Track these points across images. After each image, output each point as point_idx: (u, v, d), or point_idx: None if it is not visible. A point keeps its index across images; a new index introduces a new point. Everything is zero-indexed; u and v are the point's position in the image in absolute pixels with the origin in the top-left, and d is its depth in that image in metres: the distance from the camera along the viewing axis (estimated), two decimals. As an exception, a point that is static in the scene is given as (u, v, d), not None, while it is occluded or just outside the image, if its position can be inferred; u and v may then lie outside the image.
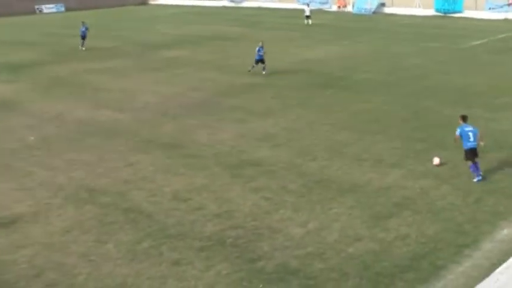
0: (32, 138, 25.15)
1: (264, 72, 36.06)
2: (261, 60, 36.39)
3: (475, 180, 18.59)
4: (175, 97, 31.49)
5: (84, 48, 48.90)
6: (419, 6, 74.55)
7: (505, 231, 15.37)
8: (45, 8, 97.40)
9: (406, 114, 26.83)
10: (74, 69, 40.70)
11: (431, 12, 71.77)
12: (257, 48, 36.42)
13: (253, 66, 36.49)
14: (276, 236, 15.51)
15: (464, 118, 19.07)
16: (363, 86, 32.90)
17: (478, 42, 48.35)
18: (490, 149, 20.82)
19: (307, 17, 63.87)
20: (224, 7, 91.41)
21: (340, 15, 75.22)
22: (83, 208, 17.75)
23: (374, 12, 75.57)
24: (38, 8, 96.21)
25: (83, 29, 49.66)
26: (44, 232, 16.37)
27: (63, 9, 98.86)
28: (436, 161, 20.10)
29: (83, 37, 49.44)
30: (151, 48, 50.09)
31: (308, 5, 69.31)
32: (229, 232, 15.86)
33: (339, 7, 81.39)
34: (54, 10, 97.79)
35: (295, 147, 22.74)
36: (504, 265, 12.81)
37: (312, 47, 47.43)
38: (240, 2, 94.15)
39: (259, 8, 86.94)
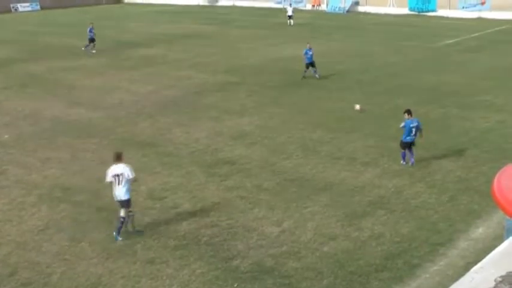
0: (7, 136, 24.83)
1: (317, 76, 33.70)
2: (311, 64, 33.54)
3: (401, 162, 20.10)
4: (150, 95, 31.24)
5: (94, 51, 45.70)
6: (393, 5, 74.80)
7: (480, 230, 15.38)
8: (21, 6, 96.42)
9: (380, 113, 26.83)
10: (49, 66, 40.25)
11: (405, 11, 72.05)
12: (304, 51, 33.69)
13: (305, 71, 33.77)
14: (251, 235, 15.40)
15: (409, 112, 19.86)
16: (336, 84, 32.86)
17: (452, 41, 48.59)
18: (465, 147, 20.95)
19: (290, 17, 62.67)
20: (199, 6, 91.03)
21: (314, 13, 75.23)
22: (58, 207, 17.53)
23: (348, 11, 75.70)
24: (13, 7, 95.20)
25: (90, 31, 46.11)
26: (18, 230, 16.13)
27: (38, 7, 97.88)
28: (357, 107, 22.82)
29: (92, 39, 45.98)
30: (126, 46, 49.65)
31: (291, 4, 69.16)
32: (204, 231, 15.72)
33: (313, 6, 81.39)
34: (29, 9, 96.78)
35: (269, 145, 22.65)
36: (479, 264, 12.74)
37: (285, 45, 47.30)
38: (216, 1, 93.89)
39: (233, 7, 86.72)
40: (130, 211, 15.59)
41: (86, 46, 45.84)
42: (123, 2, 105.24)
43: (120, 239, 15.32)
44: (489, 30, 54.52)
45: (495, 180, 6.93)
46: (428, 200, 17.28)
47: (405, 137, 19.75)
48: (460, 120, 24.79)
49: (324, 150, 21.94)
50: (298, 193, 18.00)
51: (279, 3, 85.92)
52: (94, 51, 45.53)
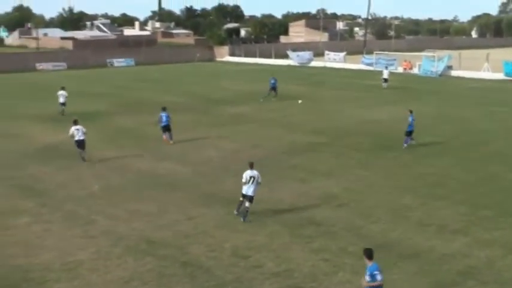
0: (97, 187, 25.56)
1: (413, 143, 32.75)
2: (410, 132, 32.36)
3: None
4: (237, 153, 31.60)
5: (274, 99, 52.11)
6: (488, 70, 73.78)
7: None
8: (116, 61, 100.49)
9: (471, 180, 26.27)
10: (140, 120, 41.44)
11: (500, 76, 70.95)
12: (410, 118, 32.32)
13: (411, 139, 32.64)
14: (335, 299, 15.17)
15: None
16: (427, 149, 32.39)
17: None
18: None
19: (385, 80, 62.18)
20: (290, 66, 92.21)
21: (406, 76, 74.92)
22: (143, 259, 17.79)
23: (441, 75, 75.15)
24: (109, 62, 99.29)
25: (273, 81, 53.42)
26: (104, 281, 16.45)
27: (132, 63, 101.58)
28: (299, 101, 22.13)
29: (273, 88, 53.13)
30: (216, 103, 50.71)
31: (387, 67, 69.14)
32: (287, 292, 15.60)
33: (405, 69, 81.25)
34: (124, 64, 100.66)
35: (356, 208, 22.44)
36: None
37: (376, 108, 47.23)
38: (307, 62, 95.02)
39: (324, 68, 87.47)
40: (248, 207, 21.00)
41: (266, 96, 52.52)
42: (215, 60, 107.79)
43: (249, 220, 20.95)
44: None
45: None
46: (522, 274, 16.67)
47: None
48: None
49: (412, 216, 21.57)
50: (384, 259, 17.62)
51: (369, 65, 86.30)
52: (274, 99, 51.91)
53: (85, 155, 30.21)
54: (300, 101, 48.35)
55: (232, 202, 22.95)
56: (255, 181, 21.11)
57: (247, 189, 21.08)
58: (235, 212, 21.48)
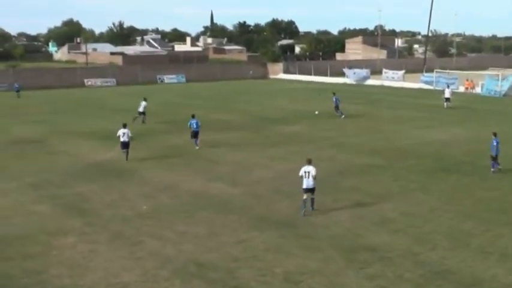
0: (145, 207, 25.87)
1: (500, 167, 31.86)
2: (496, 156, 31.63)
3: None
4: (291, 174, 31.52)
5: (343, 116, 53.45)
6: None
7: None
8: (167, 78, 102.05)
9: (538, 206, 25.76)
10: (190, 139, 41.79)
11: None
12: (494, 142, 31.46)
13: (498, 165, 31.84)
14: (391, 329, 15.05)
15: None
16: (489, 172, 31.90)
17: None
18: None
19: (447, 99, 61.70)
20: (346, 84, 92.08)
21: (468, 96, 74.09)
22: (191, 282, 17.92)
23: (505, 95, 74.04)
24: (159, 78, 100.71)
25: (334, 99, 54.98)
26: (150, 304, 16.60)
27: (183, 79, 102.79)
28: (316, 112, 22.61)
29: (337, 107, 54.77)
30: (269, 122, 50.96)
31: (448, 86, 68.52)
32: (341, 320, 15.54)
33: (467, 88, 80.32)
34: (175, 80, 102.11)
35: (414, 234, 22.22)
36: None
37: (436, 129, 46.82)
38: (363, 80, 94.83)
39: (381, 87, 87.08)
40: (313, 197, 24.75)
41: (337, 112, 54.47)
42: (269, 78, 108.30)
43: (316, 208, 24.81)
44: None
45: None
46: None
47: None
48: None
49: (473, 242, 21.25)
50: (442, 287, 17.48)
51: (429, 83, 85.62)
52: (343, 116, 53.42)
53: (128, 156, 35.44)
54: (316, 112, 49.35)
55: (284, 225, 23.04)
56: (310, 175, 24.54)
57: (307, 183, 24.65)
58: (301, 213, 24.35)
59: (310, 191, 24.67)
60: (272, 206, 26.00)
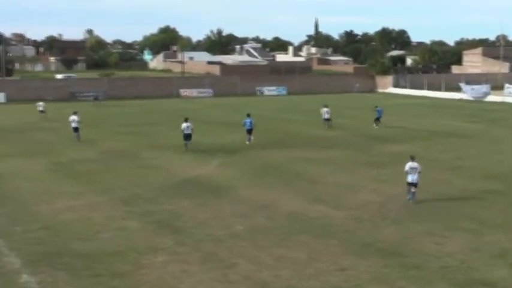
0: (240, 227, 25.98)
1: None
2: None
3: None
4: (398, 198, 31.12)
5: (377, 127, 57.34)
6: None
7: None
8: (266, 90, 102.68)
9: None
10: (290, 156, 41.90)
11: None
12: None
13: None
14: None
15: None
16: None
17: None
18: None
19: None
20: (462, 100, 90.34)
21: None
22: (287, 312, 17.83)
23: None
24: (258, 90, 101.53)
25: (378, 111, 58.79)
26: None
27: (285, 92, 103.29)
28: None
29: (378, 118, 58.12)
30: (375, 140, 50.47)
31: None
32: None
33: None
34: (275, 93, 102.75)
35: (538, 269, 21.46)
36: None
37: None
38: (482, 96, 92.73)
39: (503, 103, 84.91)
40: (415, 191, 29.48)
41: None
42: (377, 91, 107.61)
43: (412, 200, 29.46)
44: None
45: None
46: None
47: None
48: None
49: None
50: None
51: None
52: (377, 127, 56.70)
53: (188, 145, 44.32)
54: (357, 85, 53.46)
55: (390, 253, 22.68)
56: (416, 171, 29.37)
57: (412, 178, 29.46)
58: (407, 197, 29.82)
59: (414, 185, 29.38)
60: (377, 232, 25.63)
